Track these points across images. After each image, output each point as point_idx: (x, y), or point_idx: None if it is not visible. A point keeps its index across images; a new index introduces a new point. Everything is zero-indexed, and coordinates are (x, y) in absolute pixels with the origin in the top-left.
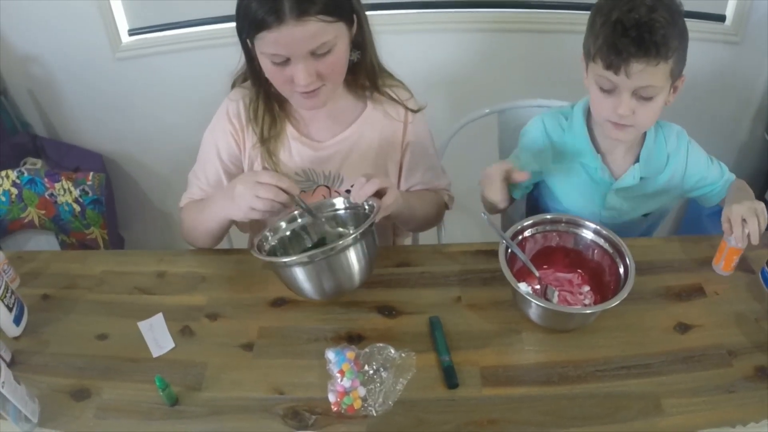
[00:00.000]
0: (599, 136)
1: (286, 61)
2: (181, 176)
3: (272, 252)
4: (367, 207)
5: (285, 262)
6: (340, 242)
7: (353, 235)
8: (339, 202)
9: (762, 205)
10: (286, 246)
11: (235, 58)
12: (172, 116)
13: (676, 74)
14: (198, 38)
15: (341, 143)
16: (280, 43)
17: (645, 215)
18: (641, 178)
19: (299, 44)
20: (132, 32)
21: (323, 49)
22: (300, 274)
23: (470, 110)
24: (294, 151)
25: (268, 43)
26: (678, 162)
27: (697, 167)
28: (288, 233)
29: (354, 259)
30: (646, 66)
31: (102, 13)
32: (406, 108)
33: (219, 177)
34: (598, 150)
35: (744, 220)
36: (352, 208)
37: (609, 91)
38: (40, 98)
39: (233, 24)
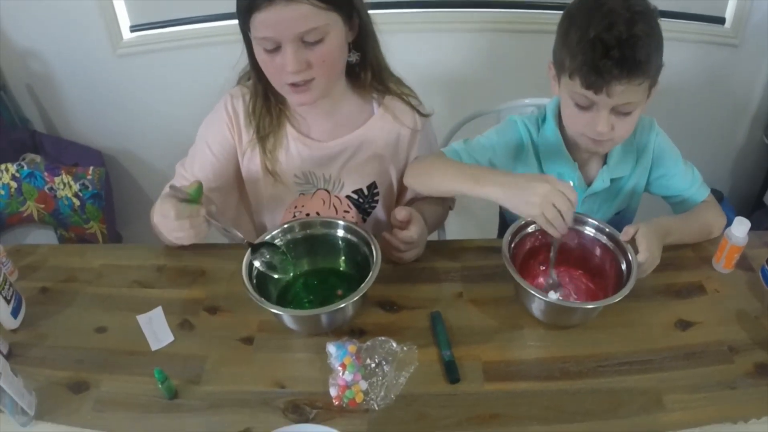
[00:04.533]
0: (574, 145)
1: (277, 49)
2: None
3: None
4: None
5: (275, 313)
6: (341, 304)
7: (351, 300)
8: (340, 229)
9: (657, 260)
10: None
11: (236, 56)
12: (172, 113)
13: (653, 84)
14: (199, 35)
15: (343, 146)
16: (269, 24)
17: (617, 213)
18: (612, 180)
19: (287, 25)
20: (134, 28)
21: (313, 36)
22: (288, 319)
23: (470, 109)
24: (293, 151)
25: (258, 26)
26: (647, 153)
27: (663, 158)
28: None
29: (350, 308)
30: (628, 86)
31: (102, 10)
32: (420, 113)
33: (206, 169)
34: (574, 158)
35: (646, 251)
36: (350, 233)
37: (586, 107)
38: (40, 94)
39: (234, 21)
